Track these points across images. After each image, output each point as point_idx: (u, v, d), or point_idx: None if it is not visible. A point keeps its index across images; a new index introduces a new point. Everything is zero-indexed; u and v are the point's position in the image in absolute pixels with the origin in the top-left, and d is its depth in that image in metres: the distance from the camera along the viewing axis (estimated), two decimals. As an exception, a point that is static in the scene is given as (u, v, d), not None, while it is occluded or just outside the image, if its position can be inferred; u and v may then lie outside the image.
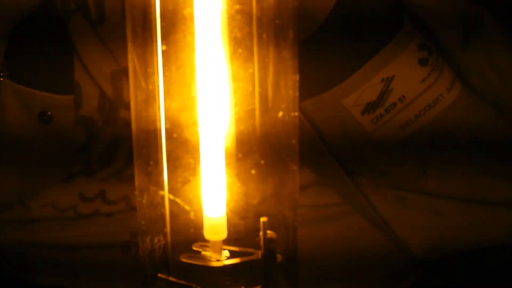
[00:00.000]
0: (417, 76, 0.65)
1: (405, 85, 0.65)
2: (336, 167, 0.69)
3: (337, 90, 0.65)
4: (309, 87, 0.63)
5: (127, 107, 0.68)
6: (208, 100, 0.49)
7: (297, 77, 0.49)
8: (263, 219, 0.49)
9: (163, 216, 0.51)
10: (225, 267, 0.50)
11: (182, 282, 0.51)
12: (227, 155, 0.50)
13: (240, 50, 0.49)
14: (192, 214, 0.51)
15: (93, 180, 0.74)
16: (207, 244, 0.50)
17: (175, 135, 0.50)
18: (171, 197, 0.50)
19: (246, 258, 0.50)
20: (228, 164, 0.50)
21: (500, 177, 0.70)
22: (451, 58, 0.68)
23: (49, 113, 0.66)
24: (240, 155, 0.50)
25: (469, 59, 0.69)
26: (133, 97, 0.50)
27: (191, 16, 0.48)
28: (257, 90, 0.49)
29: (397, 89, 0.65)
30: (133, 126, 0.50)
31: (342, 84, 0.65)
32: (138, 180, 0.50)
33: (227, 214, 0.50)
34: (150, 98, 0.49)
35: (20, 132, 0.66)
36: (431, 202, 0.72)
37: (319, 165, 0.70)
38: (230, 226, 0.50)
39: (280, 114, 0.49)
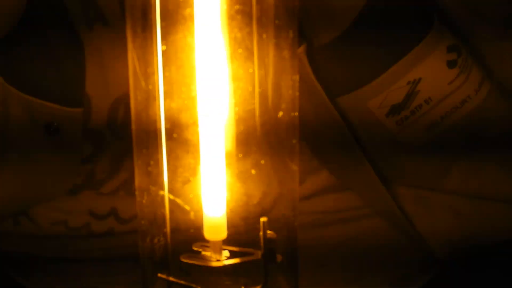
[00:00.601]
0: (445, 78, 0.65)
1: (432, 87, 0.65)
2: (365, 163, 0.69)
3: (362, 92, 0.65)
4: (337, 85, 0.64)
5: None
6: (208, 100, 0.49)
7: (297, 77, 0.49)
8: (263, 219, 0.49)
9: (163, 216, 0.51)
10: (225, 267, 0.50)
11: (182, 282, 0.51)
12: (227, 155, 0.50)
13: (240, 50, 0.49)
14: (192, 214, 0.51)
15: (102, 196, 0.74)
16: (207, 244, 0.51)
17: (175, 135, 0.50)
18: (171, 197, 0.51)
19: (246, 258, 0.50)
20: (228, 164, 0.50)
21: None
22: (484, 54, 0.68)
23: (55, 124, 0.66)
24: (240, 155, 0.50)
25: (507, 50, 0.68)
26: (133, 97, 0.50)
27: (191, 16, 0.48)
28: (257, 90, 0.50)
29: (424, 91, 0.65)
30: (133, 126, 0.50)
31: (368, 86, 0.65)
32: (138, 180, 0.51)
33: (227, 214, 0.50)
34: (150, 98, 0.50)
35: (25, 142, 0.66)
36: (451, 201, 0.72)
37: (347, 160, 0.70)
38: (230, 226, 0.50)
39: (280, 114, 0.50)
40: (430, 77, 0.64)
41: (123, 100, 0.68)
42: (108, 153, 0.71)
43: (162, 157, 0.50)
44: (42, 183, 0.70)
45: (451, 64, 0.65)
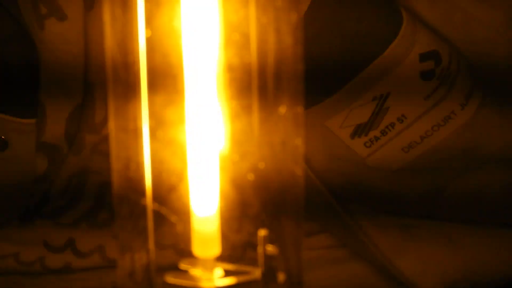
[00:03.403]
0: (420, 92, 0.63)
1: (404, 103, 0.63)
2: (327, 196, 0.68)
3: (318, 110, 0.64)
4: None
5: (96, 130, 0.69)
6: (198, 94, 0.48)
7: (301, 66, 0.48)
8: (262, 233, 0.49)
9: (145, 229, 0.50)
10: (218, 288, 0.50)
11: (168, 305, 0.51)
12: (221, 158, 0.49)
13: (235, 36, 0.48)
14: (179, 227, 0.50)
15: (60, 226, 0.73)
16: (197, 261, 0.49)
17: (159, 134, 0.49)
18: (155, 206, 0.50)
19: (242, 278, 0.49)
20: (221, 169, 0.49)
21: None
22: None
23: (2, 137, 0.65)
24: (235, 158, 0.50)
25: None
26: (111, 92, 0.49)
27: (179, -3, 0.48)
28: (255, 81, 0.49)
29: (395, 108, 0.63)
30: (110, 125, 0.49)
31: (324, 103, 0.63)
32: (116, 187, 0.49)
33: (220, 227, 0.49)
34: (130, 92, 0.49)
35: None
36: (443, 229, 0.71)
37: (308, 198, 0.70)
38: (224, 240, 0.49)
39: (282, 109, 0.49)
40: (401, 91, 0.62)
41: (82, 107, 0.68)
42: (66, 172, 0.70)
43: (144, 160, 0.49)
44: None
45: (426, 75, 0.63)
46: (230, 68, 0.48)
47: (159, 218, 0.50)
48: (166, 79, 0.48)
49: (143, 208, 0.49)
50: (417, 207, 0.70)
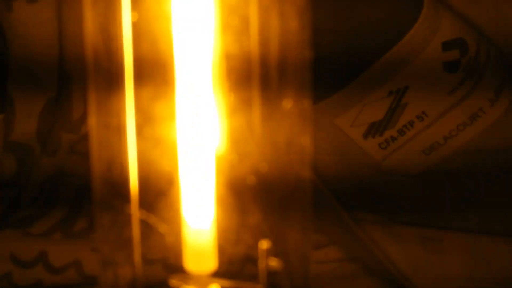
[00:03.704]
0: (443, 87, 0.61)
1: (424, 99, 0.62)
2: (336, 207, 0.67)
3: (326, 106, 0.62)
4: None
5: (73, 128, 0.67)
6: (191, 86, 0.46)
7: (309, 53, 0.46)
8: (264, 245, 0.47)
9: (130, 241, 0.48)
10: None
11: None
12: (217, 159, 0.47)
13: (234, 20, 0.47)
14: (169, 238, 0.48)
15: (30, 237, 0.71)
16: (190, 277, 0.47)
17: (146, 131, 0.47)
18: (142, 214, 0.48)
19: None
20: (217, 171, 0.47)
21: None
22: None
23: None
24: (234, 159, 0.48)
25: None
26: (92, 83, 0.47)
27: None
28: (256, 71, 0.47)
29: (414, 104, 0.61)
30: (90, 121, 0.47)
31: (333, 97, 0.61)
32: (97, 192, 0.47)
33: (216, 238, 0.47)
34: (113, 83, 0.47)
35: None
36: (469, 242, 0.69)
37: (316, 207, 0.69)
38: (220, 253, 0.47)
39: (287, 103, 0.47)
40: (421, 85, 0.61)
41: (57, 102, 0.66)
42: (38, 176, 0.68)
43: (129, 161, 0.47)
44: None
45: (450, 67, 0.61)
46: (227, 57, 0.47)
47: (146, 228, 0.48)
48: (154, 69, 0.47)
49: (128, 217, 0.48)
50: (439, 216, 0.68)
